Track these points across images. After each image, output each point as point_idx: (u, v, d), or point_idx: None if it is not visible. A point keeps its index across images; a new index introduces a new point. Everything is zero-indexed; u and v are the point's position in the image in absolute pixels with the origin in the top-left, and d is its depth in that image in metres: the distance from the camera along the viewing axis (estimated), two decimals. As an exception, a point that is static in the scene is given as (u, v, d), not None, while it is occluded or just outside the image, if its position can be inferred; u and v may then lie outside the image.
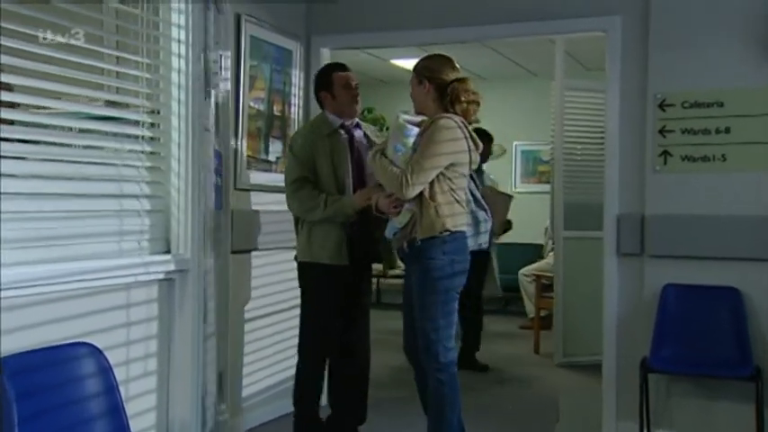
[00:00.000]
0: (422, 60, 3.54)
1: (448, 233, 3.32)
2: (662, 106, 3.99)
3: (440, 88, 3.41)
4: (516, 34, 4.50)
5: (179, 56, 2.66)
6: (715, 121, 3.89)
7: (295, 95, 4.62)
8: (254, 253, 4.21)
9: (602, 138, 5.96)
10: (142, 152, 2.58)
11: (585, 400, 4.71)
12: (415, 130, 3.39)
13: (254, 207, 4.22)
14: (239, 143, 4.15)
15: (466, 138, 3.37)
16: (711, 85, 3.90)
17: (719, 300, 3.82)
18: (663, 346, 3.81)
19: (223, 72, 3.96)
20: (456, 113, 3.39)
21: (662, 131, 4.00)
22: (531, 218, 9.22)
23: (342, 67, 3.91)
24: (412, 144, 3.36)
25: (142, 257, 2.62)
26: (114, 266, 2.52)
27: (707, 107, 3.91)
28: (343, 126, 3.82)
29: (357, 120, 3.92)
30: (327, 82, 3.84)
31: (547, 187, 8.98)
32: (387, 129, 7.57)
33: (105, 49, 2.72)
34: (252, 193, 4.24)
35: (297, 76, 4.64)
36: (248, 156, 4.24)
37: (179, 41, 2.88)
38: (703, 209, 3.90)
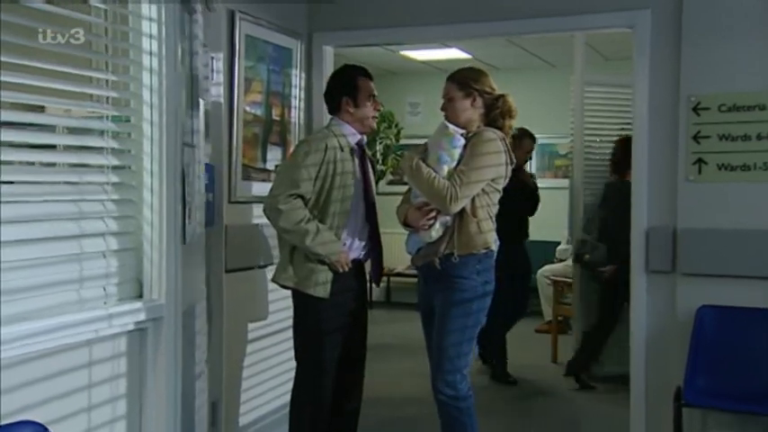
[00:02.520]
0: (464, 72, 3.37)
1: (485, 251, 3.19)
2: (696, 110, 3.64)
3: (487, 102, 3.29)
4: (537, 30, 4.15)
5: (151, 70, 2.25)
6: (756, 126, 3.54)
7: (296, 98, 4.28)
8: (254, 271, 3.89)
9: (625, 136, 5.77)
10: (107, 183, 2.19)
11: (610, 426, 4.39)
12: (462, 141, 3.20)
13: (254, 221, 3.89)
14: (234, 152, 3.82)
15: (506, 152, 3.25)
16: (752, 87, 3.54)
17: (761, 324, 3.48)
18: (698, 375, 3.47)
19: (215, 76, 3.66)
20: (500, 128, 3.27)
21: (696, 137, 3.65)
22: (547, 214, 8.85)
23: (367, 72, 3.54)
24: (458, 156, 3.18)
25: (107, 308, 2.18)
26: (71, 323, 2.08)
27: (747, 110, 3.55)
28: (358, 144, 3.47)
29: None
30: (352, 87, 3.45)
31: (564, 182, 8.67)
32: (396, 125, 7.27)
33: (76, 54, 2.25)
34: (248, 205, 3.91)
35: (297, 77, 4.29)
36: (244, 165, 3.91)
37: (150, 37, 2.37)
38: (742, 222, 3.56)
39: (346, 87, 3.45)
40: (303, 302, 3.35)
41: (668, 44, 3.71)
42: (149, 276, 2.18)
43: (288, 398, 3.56)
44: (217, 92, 3.66)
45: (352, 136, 3.44)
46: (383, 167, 7.35)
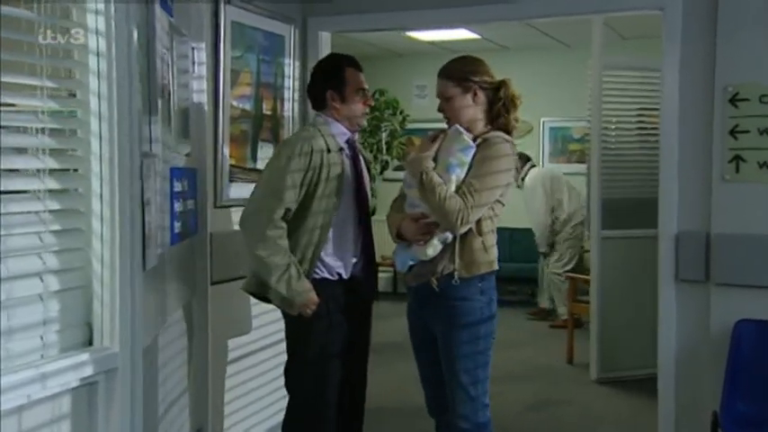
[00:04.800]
0: (458, 65, 2.95)
1: (490, 271, 2.86)
2: (733, 101, 3.26)
3: (489, 95, 2.88)
4: (556, 14, 3.78)
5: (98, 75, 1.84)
6: (802, 119, 3.16)
7: (289, 89, 3.91)
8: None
9: (647, 124, 5.41)
10: (45, 211, 1.81)
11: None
12: (474, 149, 2.82)
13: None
14: (219, 153, 3.47)
15: (514, 156, 2.90)
16: (797, 76, 3.16)
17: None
18: (737, 399, 3.11)
19: (196, 68, 3.30)
20: (505, 126, 2.90)
21: (733, 132, 3.27)
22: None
23: (355, 62, 3.12)
24: (468, 165, 2.81)
25: (44, 364, 1.73)
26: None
27: (791, 102, 3.17)
28: (348, 141, 3.08)
29: None
30: (339, 79, 3.04)
31: (578, 167, 8.30)
32: (401, 113, 6.89)
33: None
34: (237, 210, 3.55)
35: (291, 67, 3.92)
36: (232, 166, 3.57)
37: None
38: (785, 227, 3.18)
39: (332, 80, 3.04)
40: (296, 324, 3.00)
41: (702, 27, 3.33)
42: (100, 320, 1.82)
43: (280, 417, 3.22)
44: (199, 86, 3.31)
45: (341, 135, 3.04)
46: (388, 157, 6.96)
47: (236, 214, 3.54)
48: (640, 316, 5.22)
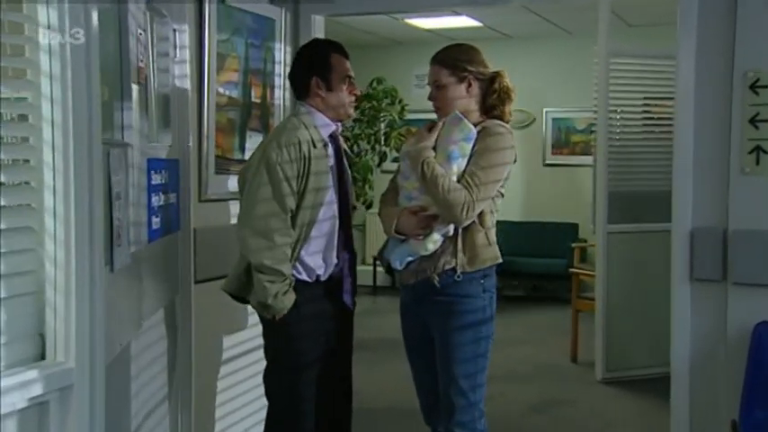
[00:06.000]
0: (453, 53, 2.78)
1: (493, 265, 2.73)
2: (754, 88, 3.03)
3: (483, 86, 2.76)
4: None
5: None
6: (828, 107, 2.94)
7: (279, 76, 3.68)
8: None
9: (654, 113, 5.21)
10: None
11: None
12: (475, 134, 2.66)
13: (232, 221, 3.32)
14: (205, 142, 3.25)
15: (514, 147, 2.74)
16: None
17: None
18: (757, 406, 2.90)
19: (177, 52, 3.08)
20: (500, 116, 2.75)
21: (754, 121, 3.05)
22: (563, 193, 8.34)
23: (342, 49, 2.89)
24: (469, 153, 2.65)
25: None
26: None
27: (817, 89, 2.95)
28: (331, 135, 2.84)
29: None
30: (324, 65, 2.80)
31: (581, 159, 8.11)
32: (399, 102, 6.66)
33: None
34: (223, 203, 3.35)
35: (281, 52, 3.69)
36: (218, 157, 3.35)
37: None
38: (809, 223, 2.97)
39: (317, 66, 2.81)
40: (272, 329, 2.79)
41: (721, 9, 3.10)
42: (53, 330, 1.60)
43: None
44: (181, 71, 3.09)
45: (325, 127, 2.80)
46: (386, 148, 6.73)
47: (222, 208, 3.35)
48: (648, 313, 5.05)
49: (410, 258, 2.73)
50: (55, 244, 1.64)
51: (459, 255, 2.64)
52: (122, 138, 2.02)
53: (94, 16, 1.68)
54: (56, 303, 1.64)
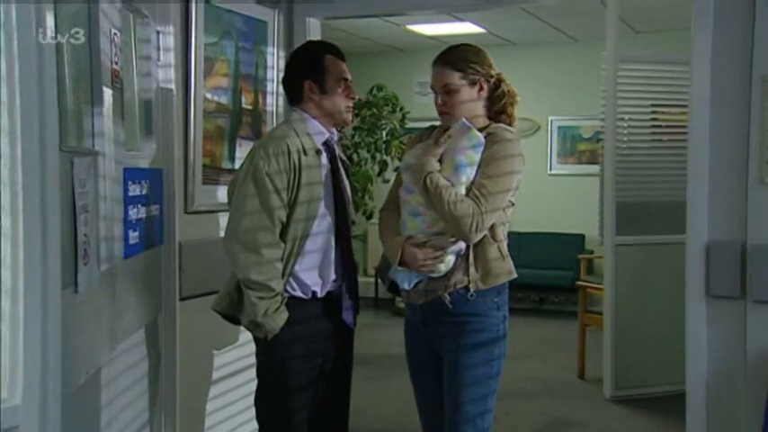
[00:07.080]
0: (462, 53, 2.59)
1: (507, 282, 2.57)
2: (774, 93, 2.85)
3: (490, 89, 2.60)
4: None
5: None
6: None
7: (272, 81, 3.52)
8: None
9: (662, 121, 5.04)
10: None
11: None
12: (483, 143, 2.47)
13: (220, 234, 3.14)
14: (191, 151, 3.08)
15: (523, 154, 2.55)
16: None
17: None
18: (780, 434, 2.72)
19: (161, 55, 2.92)
20: (509, 124, 2.59)
21: (774, 128, 2.86)
22: (569, 203, 8.14)
23: (336, 50, 2.70)
24: (477, 162, 2.47)
25: None
26: None
27: (841, 94, 2.77)
28: (326, 143, 2.65)
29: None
30: (318, 67, 2.62)
31: (587, 168, 7.92)
32: (401, 110, 6.50)
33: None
34: (211, 216, 3.18)
35: (274, 57, 3.53)
36: (205, 166, 3.18)
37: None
38: (833, 236, 2.78)
39: (309, 68, 2.63)
40: (264, 349, 2.60)
41: (738, 10, 2.92)
42: (-2, 366, 1.43)
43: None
44: (165, 75, 2.93)
45: (319, 135, 2.62)
46: (387, 157, 6.56)
47: (210, 221, 3.18)
48: (659, 328, 4.86)
49: (418, 279, 2.54)
50: (1, 266, 1.46)
51: (472, 271, 2.47)
52: (92, 145, 1.85)
53: (47, 7, 1.50)
54: (2, 334, 1.46)
